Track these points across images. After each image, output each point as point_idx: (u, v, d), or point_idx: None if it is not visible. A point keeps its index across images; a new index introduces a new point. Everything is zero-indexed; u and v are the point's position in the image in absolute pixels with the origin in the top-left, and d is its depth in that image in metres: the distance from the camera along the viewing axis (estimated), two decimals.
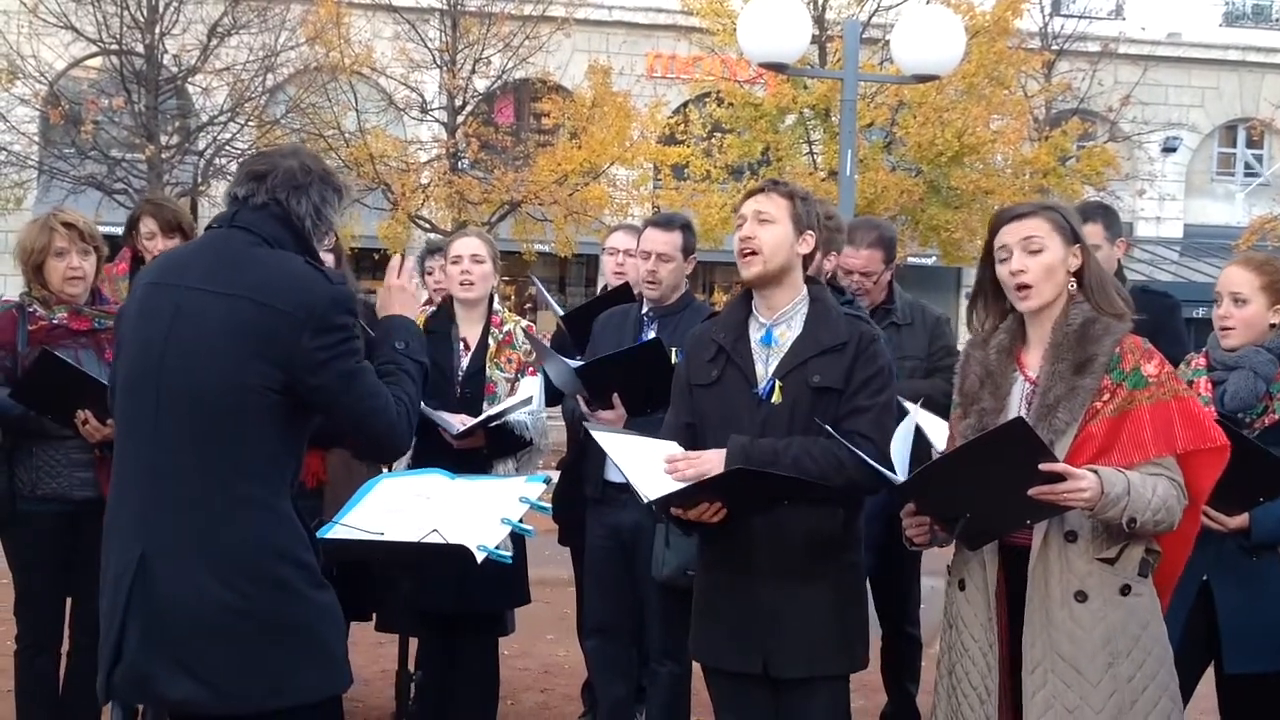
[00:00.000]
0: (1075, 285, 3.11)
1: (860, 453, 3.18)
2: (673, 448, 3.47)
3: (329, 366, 2.88)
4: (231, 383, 2.84)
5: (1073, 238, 3.12)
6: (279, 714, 2.89)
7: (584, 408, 4.39)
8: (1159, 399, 2.99)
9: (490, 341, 4.67)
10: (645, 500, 3.31)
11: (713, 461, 3.34)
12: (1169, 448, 2.99)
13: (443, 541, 3.45)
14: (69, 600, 4.43)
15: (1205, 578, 3.74)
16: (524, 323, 4.82)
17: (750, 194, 3.59)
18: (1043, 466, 2.83)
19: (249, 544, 2.85)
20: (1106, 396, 3.00)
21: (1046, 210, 3.15)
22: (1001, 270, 3.14)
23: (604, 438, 3.61)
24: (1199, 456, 3.04)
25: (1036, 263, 3.08)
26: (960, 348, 3.56)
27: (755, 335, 3.54)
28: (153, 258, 4.76)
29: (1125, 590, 2.99)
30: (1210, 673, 3.91)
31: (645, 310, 4.62)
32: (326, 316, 2.87)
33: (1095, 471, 2.88)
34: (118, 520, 2.95)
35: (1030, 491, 2.84)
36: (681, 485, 3.26)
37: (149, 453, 2.89)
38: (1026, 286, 3.09)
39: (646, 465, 3.41)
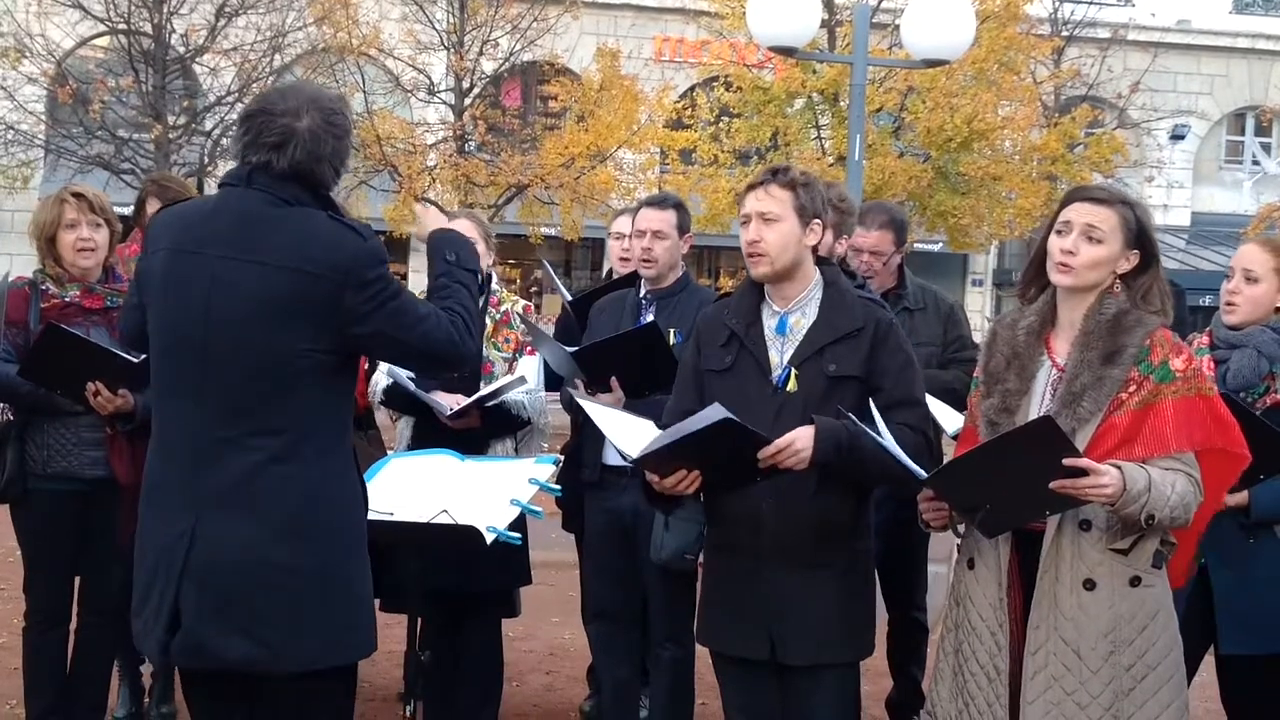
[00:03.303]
0: (1119, 283, 3.08)
1: (885, 443, 3.13)
2: (651, 427, 3.45)
3: (375, 314, 2.89)
4: (280, 348, 2.85)
5: (1135, 242, 3.07)
6: (319, 674, 2.92)
7: (582, 391, 4.39)
8: (1184, 394, 2.97)
9: (487, 321, 4.67)
10: (628, 459, 3.28)
11: (801, 437, 3.26)
12: (1190, 443, 2.98)
13: (452, 522, 3.46)
14: (78, 578, 4.44)
15: (1203, 560, 3.75)
16: (522, 303, 4.82)
17: (750, 187, 3.53)
18: (1067, 462, 2.82)
19: (300, 501, 2.87)
20: (1133, 388, 2.98)
21: (1122, 205, 3.09)
22: (1053, 241, 3.10)
23: (589, 406, 3.62)
24: (1215, 458, 3.03)
25: (1088, 251, 3.04)
26: (974, 336, 3.55)
27: (769, 323, 3.51)
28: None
29: (1135, 581, 2.99)
30: (1212, 657, 3.93)
31: (643, 293, 4.62)
32: (363, 272, 2.88)
33: (1119, 467, 2.87)
34: (163, 487, 2.94)
35: (1052, 485, 2.84)
36: (665, 442, 3.20)
37: (195, 421, 2.89)
38: (1068, 267, 3.06)
39: (630, 433, 3.39)
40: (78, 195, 4.33)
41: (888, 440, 3.12)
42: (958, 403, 4.25)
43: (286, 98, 2.98)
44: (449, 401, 4.33)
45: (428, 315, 3.00)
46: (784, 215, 3.44)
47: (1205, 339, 3.99)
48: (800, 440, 3.25)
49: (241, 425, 2.86)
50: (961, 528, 3.17)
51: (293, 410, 2.88)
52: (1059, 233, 3.09)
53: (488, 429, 4.46)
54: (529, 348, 4.65)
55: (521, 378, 4.41)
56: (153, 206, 4.83)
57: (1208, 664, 4.00)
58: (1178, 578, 3.19)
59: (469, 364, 3.20)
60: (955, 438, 3.74)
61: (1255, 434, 3.36)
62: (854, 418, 3.21)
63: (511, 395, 4.44)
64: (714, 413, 3.13)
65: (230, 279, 2.87)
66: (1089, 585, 2.98)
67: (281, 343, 2.85)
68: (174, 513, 2.89)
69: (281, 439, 2.87)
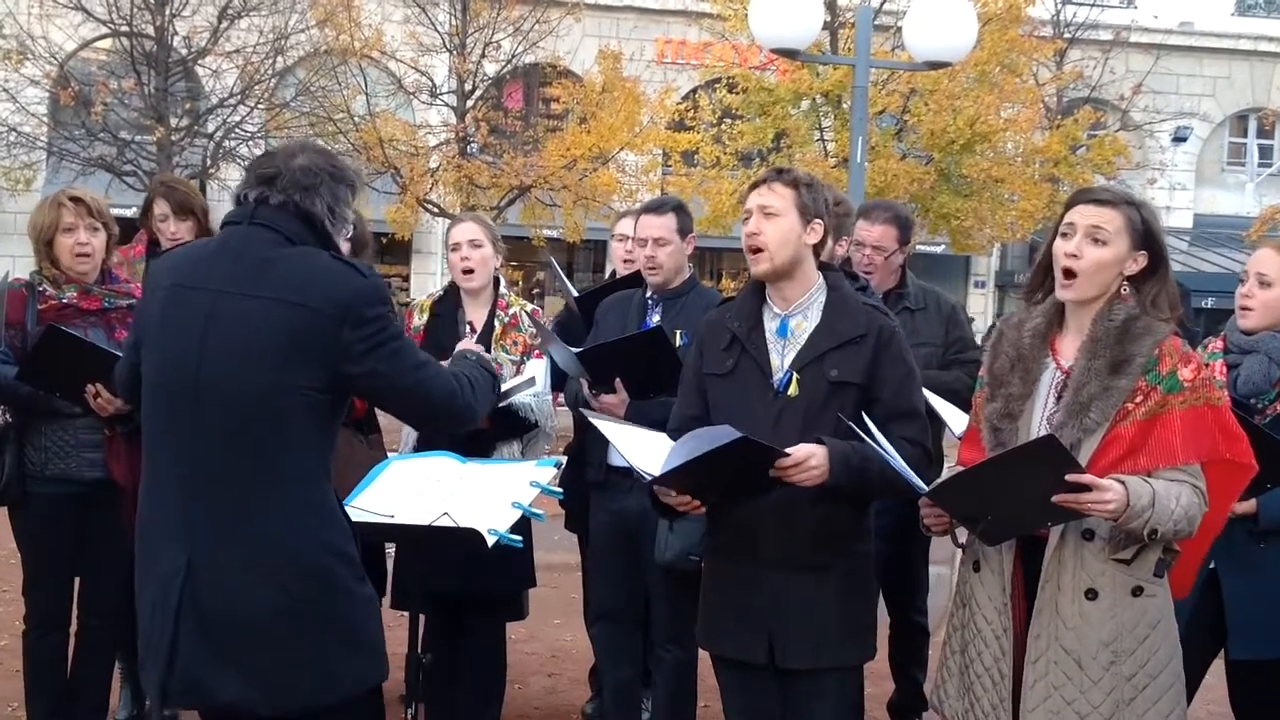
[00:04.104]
0: (1128, 286, 3.03)
1: (891, 460, 3.11)
2: (664, 440, 3.44)
3: (372, 353, 2.89)
4: (275, 385, 2.83)
5: (1142, 242, 3.01)
6: (329, 709, 2.90)
7: (586, 390, 4.39)
8: (1192, 404, 2.92)
9: (496, 324, 4.66)
10: (648, 478, 3.26)
11: (818, 455, 3.25)
12: (1197, 455, 2.94)
13: (453, 525, 3.45)
14: (78, 580, 4.43)
15: (1212, 565, 3.73)
16: (530, 306, 4.82)
17: (754, 185, 3.53)
18: (1070, 477, 2.79)
19: (297, 543, 2.85)
20: (1140, 398, 2.93)
21: (1127, 206, 3.03)
22: (1058, 245, 3.04)
23: (602, 424, 3.60)
24: (1222, 468, 3.00)
25: (1092, 253, 2.99)
26: (977, 337, 3.52)
27: (770, 326, 3.49)
28: (168, 240, 4.77)
29: (1137, 591, 2.96)
30: (1220, 662, 3.92)
31: (649, 294, 4.61)
32: (362, 310, 2.88)
33: (1123, 482, 2.84)
34: (157, 525, 2.92)
35: (1055, 499, 2.82)
36: (681, 460, 3.18)
37: (188, 457, 2.87)
38: (1071, 274, 3.01)
39: (644, 449, 3.38)
40: (75, 199, 4.32)
41: (892, 455, 3.10)
42: (959, 405, 4.24)
43: (291, 145, 3.04)
44: None
45: (426, 363, 3.01)
46: (785, 211, 3.43)
47: (1219, 343, 3.97)
48: (816, 458, 3.24)
49: (236, 466, 2.83)
50: (961, 534, 3.15)
51: (286, 449, 2.85)
52: (1064, 235, 3.04)
53: (495, 431, 4.46)
54: (536, 351, 4.65)
55: (530, 379, 4.40)
56: (160, 208, 4.84)
57: (1212, 667, 3.99)
58: (1182, 588, 3.16)
59: (469, 423, 3.21)
60: (960, 438, 3.73)
61: (1260, 445, 3.35)
62: (857, 428, 3.19)
63: (519, 398, 4.43)
64: (727, 432, 3.12)
65: (229, 314, 2.86)
66: (1091, 595, 2.95)
67: (277, 379, 2.83)
68: (167, 551, 2.87)
69: (274, 477, 2.84)
